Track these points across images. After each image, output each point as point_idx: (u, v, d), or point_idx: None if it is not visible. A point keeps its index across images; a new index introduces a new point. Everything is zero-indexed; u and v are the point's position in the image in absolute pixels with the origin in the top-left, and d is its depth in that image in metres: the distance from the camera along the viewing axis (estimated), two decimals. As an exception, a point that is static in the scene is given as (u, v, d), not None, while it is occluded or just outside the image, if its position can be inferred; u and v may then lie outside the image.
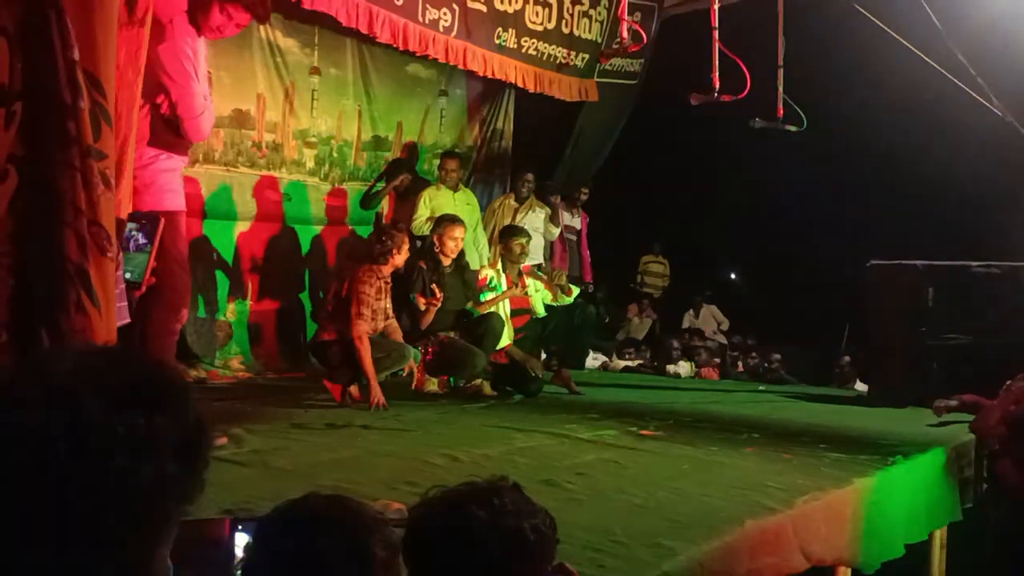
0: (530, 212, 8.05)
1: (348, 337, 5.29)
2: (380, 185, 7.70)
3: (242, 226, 7.00)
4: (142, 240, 3.16)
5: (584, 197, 9.30)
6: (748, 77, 6.11)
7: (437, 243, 6.31)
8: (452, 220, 6.42)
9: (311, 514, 1.51)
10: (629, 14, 6.79)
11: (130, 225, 3.14)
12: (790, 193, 9.70)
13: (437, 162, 8.07)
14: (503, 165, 9.07)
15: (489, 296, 6.47)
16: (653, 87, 8.20)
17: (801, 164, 8.82)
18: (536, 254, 7.86)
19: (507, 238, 6.71)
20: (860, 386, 8.03)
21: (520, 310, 6.67)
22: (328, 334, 5.58)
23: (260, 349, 7.04)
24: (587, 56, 7.35)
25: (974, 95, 7.04)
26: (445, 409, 5.53)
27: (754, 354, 9.45)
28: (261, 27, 6.93)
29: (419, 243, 7.10)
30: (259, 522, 1.64)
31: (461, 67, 6.53)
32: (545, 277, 7.03)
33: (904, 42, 7.00)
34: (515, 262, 6.62)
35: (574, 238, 9.32)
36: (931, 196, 8.61)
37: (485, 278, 6.56)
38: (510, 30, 6.66)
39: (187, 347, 6.41)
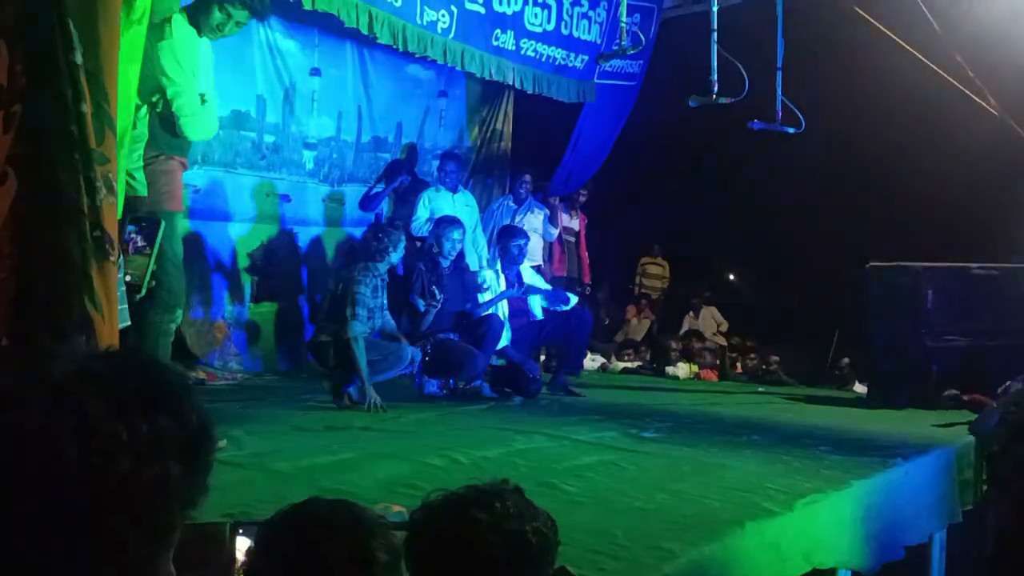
0: (529, 213, 8.06)
1: (344, 338, 5.29)
2: (380, 187, 7.70)
3: (241, 227, 7.00)
4: (141, 243, 3.16)
5: (583, 199, 9.30)
6: (747, 79, 6.12)
7: (436, 244, 6.32)
8: (451, 221, 6.43)
9: (313, 518, 1.51)
10: (628, 16, 6.79)
11: (130, 228, 3.14)
12: (789, 195, 9.71)
13: (436, 163, 8.08)
14: (502, 166, 9.07)
15: (486, 297, 6.47)
16: (652, 89, 8.20)
17: (800, 166, 8.82)
18: (535, 255, 7.87)
19: (506, 239, 6.71)
20: (859, 387, 8.03)
21: (519, 311, 6.67)
22: (325, 335, 5.58)
23: (259, 350, 7.04)
24: (586, 58, 7.34)
25: (972, 96, 7.04)
26: (445, 411, 5.52)
27: (753, 355, 9.45)
28: (262, 28, 6.93)
29: (418, 244, 7.10)
30: (261, 526, 1.63)
31: (460, 69, 6.52)
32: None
33: (903, 44, 7.01)
34: (513, 263, 6.62)
35: (573, 239, 9.33)
36: (930, 198, 8.61)
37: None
38: (508, 32, 6.65)
39: (185, 348, 6.42)
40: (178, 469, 0.92)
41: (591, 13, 7.31)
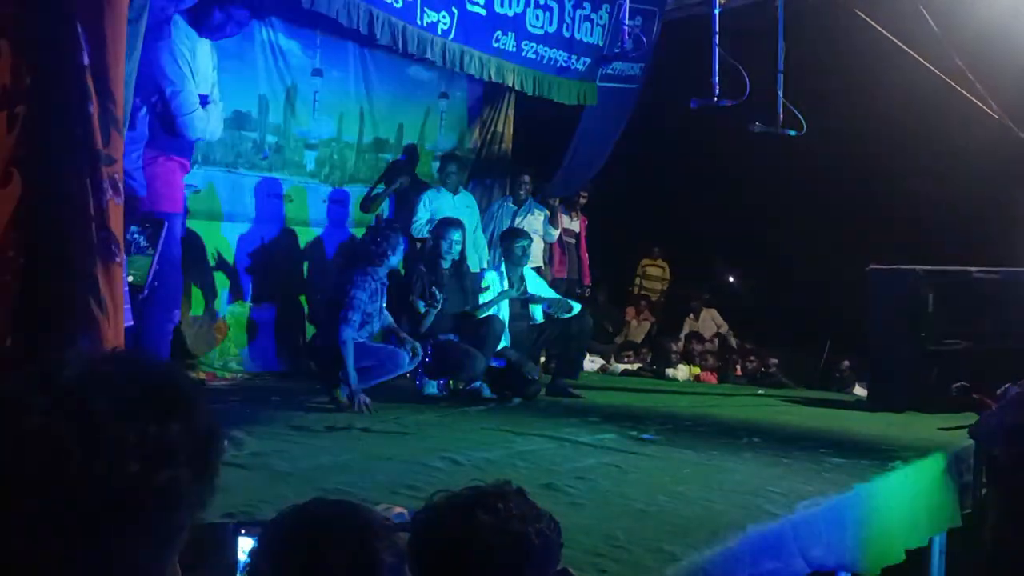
0: (529, 215, 8.06)
1: (338, 338, 5.30)
2: (381, 188, 7.70)
3: (242, 227, 6.99)
4: (144, 243, 3.16)
5: (583, 200, 9.31)
6: (748, 82, 6.12)
7: (436, 246, 6.32)
8: (451, 223, 6.43)
9: (317, 519, 1.50)
10: (630, 19, 6.79)
11: (132, 228, 3.14)
12: (790, 197, 9.71)
13: (437, 164, 8.08)
14: (503, 168, 9.07)
15: (487, 298, 6.47)
16: (653, 91, 8.20)
17: (800, 168, 8.82)
18: (535, 257, 7.86)
19: (509, 240, 6.72)
20: (859, 390, 8.04)
21: (520, 314, 6.67)
22: (323, 336, 5.58)
23: (259, 350, 7.04)
24: (588, 60, 7.34)
25: (973, 100, 7.05)
26: (445, 412, 5.53)
27: (752, 358, 9.45)
28: (263, 28, 6.94)
29: (419, 245, 7.10)
30: (264, 527, 1.63)
31: (459, 70, 6.51)
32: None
33: (904, 47, 7.01)
34: (516, 264, 6.63)
35: (573, 241, 9.33)
36: (931, 200, 8.61)
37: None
38: (510, 33, 6.65)
39: (184, 348, 6.42)
40: (187, 473, 0.92)
41: (593, 15, 7.30)
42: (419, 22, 5.91)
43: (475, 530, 1.56)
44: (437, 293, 6.03)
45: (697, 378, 9.12)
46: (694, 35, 6.89)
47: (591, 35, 7.30)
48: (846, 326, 8.06)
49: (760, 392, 8.05)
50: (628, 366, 9.45)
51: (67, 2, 2.19)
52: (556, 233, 8.49)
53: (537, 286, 6.85)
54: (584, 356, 7.26)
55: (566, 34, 7.11)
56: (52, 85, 2.20)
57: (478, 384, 6.18)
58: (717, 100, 6.23)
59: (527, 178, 8.14)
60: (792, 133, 6.70)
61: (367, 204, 7.61)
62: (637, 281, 11.52)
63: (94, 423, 0.87)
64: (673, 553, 2.67)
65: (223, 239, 6.85)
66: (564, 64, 7.19)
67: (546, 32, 6.94)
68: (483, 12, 6.40)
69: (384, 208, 7.74)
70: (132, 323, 2.98)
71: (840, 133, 8.61)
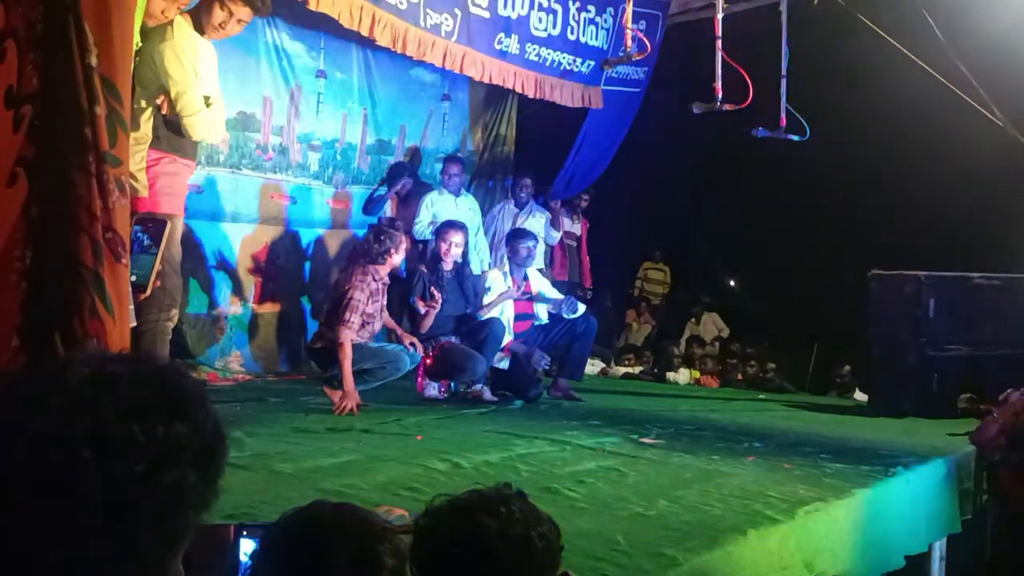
0: (530, 217, 8.07)
1: (336, 340, 5.30)
2: (382, 190, 7.71)
3: (245, 228, 7.00)
4: (147, 243, 3.17)
5: (584, 203, 9.32)
6: (751, 86, 6.11)
7: (438, 248, 6.33)
8: (453, 225, 6.44)
9: (319, 522, 1.51)
10: (634, 22, 6.78)
11: (136, 228, 3.15)
12: (791, 202, 9.70)
13: (439, 166, 8.09)
14: (505, 170, 9.08)
15: (489, 299, 6.48)
16: (656, 95, 8.21)
17: (802, 173, 8.82)
18: (537, 259, 7.87)
19: (514, 241, 6.73)
20: (860, 395, 8.03)
21: (523, 315, 6.67)
22: (323, 338, 5.59)
23: (260, 351, 7.05)
24: (593, 63, 7.34)
25: (976, 106, 7.05)
26: (445, 414, 5.53)
27: (753, 362, 9.44)
28: (268, 30, 6.96)
29: (420, 247, 7.11)
30: (266, 529, 1.63)
31: (459, 72, 6.52)
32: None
33: (907, 53, 7.02)
34: (520, 265, 6.64)
35: (574, 244, 9.34)
36: (933, 206, 8.60)
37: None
38: (513, 36, 6.65)
39: (187, 348, 6.43)
40: (193, 474, 0.93)
41: (598, 19, 7.31)
42: (422, 24, 5.92)
43: (478, 534, 1.56)
44: (436, 293, 6.04)
45: (698, 382, 9.12)
46: (697, 39, 6.89)
47: (595, 38, 7.31)
48: (847, 331, 8.05)
49: (761, 397, 8.05)
50: (629, 369, 9.45)
51: (75, 2, 2.20)
52: (557, 236, 8.50)
53: (542, 285, 6.85)
54: (587, 358, 7.27)
55: (571, 37, 7.12)
56: (60, 86, 2.20)
57: (479, 386, 6.19)
58: (720, 105, 6.22)
59: (529, 181, 8.16)
60: (795, 138, 6.70)
61: (369, 206, 7.62)
62: (638, 284, 11.52)
63: (103, 423, 0.88)
64: (673, 558, 2.67)
65: (227, 239, 6.87)
66: (568, 67, 7.19)
67: (550, 35, 6.94)
68: (486, 14, 6.41)
69: (386, 210, 7.75)
70: (135, 323, 2.98)
71: (843, 138, 8.60)
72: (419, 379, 6.11)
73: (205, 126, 4.27)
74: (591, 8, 7.24)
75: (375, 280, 5.53)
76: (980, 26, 6.77)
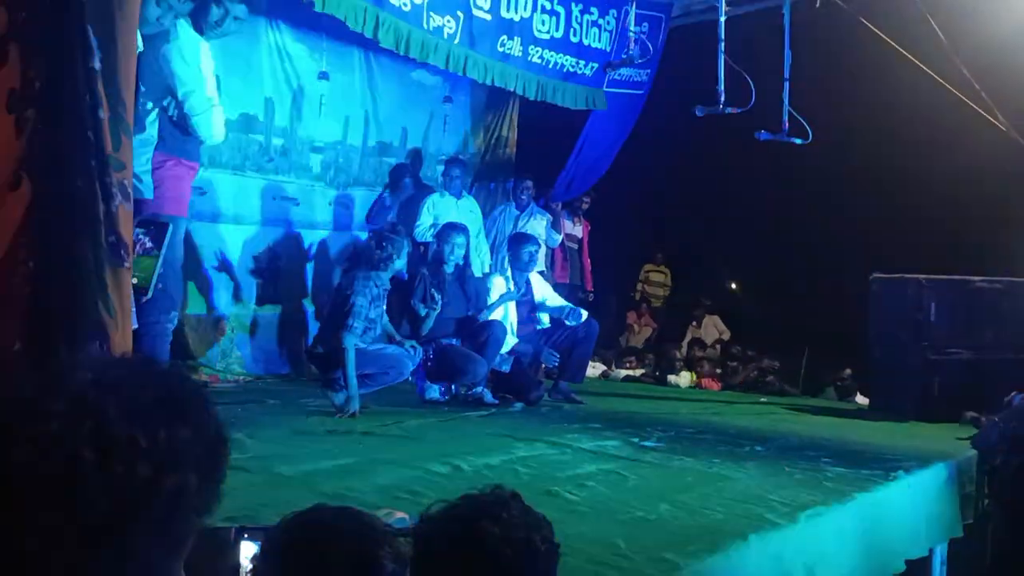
0: (531, 219, 8.07)
1: (340, 346, 5.30)
2: (387, 197, 7.69)
3: (248, 229, 7.01)
4: (149, 245, 3.17)
5: (585, 205, 9.31)
6: (753, 89, 6.12)
7: (440, 250, 6.33)
8: (454, 228, 6.44)
9: (320, 525, 1.51)
10: (637, 25, 6.80)
11: (137, 230, 3.15)
12: (793, 205, 9.70)
13: (440, 168, 8.09)
14: (507, 172, 9.08)
15: (490, 301, 6.48)
16: (658, 97, 8.21)
17: (804, 176, 8.82)
18: (538, 262, 7.87)
19: (516, 245, 6.73)
20: (861, 399, 8.03)
21: (526, 319, 6.67)
22: (324, 343, 5.58)
23: (261, 353, 7.05)
24: (596, 65, 7.35)
25: (978, 110, 7.05)
26: (446, 416, 5.52)
27: (754, 365, 9.44)
28: (270, 31, 6.97)
29: (422, 249, 7.11)
30: (267, 532, 1.63)
31: (462, 74, 6.52)
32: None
33: (910, 56, 7.02)
34: (523, 270, 6.63)
35: (575, 246, 9.33)
36: (935, 210, 8.61)
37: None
38: (516, 38, 6.65)
39: (187, 350, 6.43)
40: (195, 478, 0.93)
41: (600, 21, 7.31)
42: (425, 26, 5.92)
43: (482, 541, 1.56)
44: (436, 295, 6.04)
45: (699, 385, 9.11)
46: (700, 42, 6.89)
47: (599, 41, 7.31)
48: (848, 334, 8.05)
49: (762, 400, 8.04)
50: (630, 372, 9.44)
51: (78, 6, 2.20)
52: (559, 238, 8.50)
53: (544, 291, 6.85)
54: (588, 361, 7.26)
55: (573, 40, 7.12)
56: (63, 90, 2.20)
57: (480, 389, 6.19)
58: (722, 108, 6.22)
59: (530, 183, 8.16)
60: (798, 141, 6.70)
61: (373, 217, 7.59)
62: (639, 287, 11.52)
63: (107, 427, 0.88)
64: (674, 562, 2.67)
65: (229, 241, 6.87)
66: (571, 69, 7.20)
67: (553, 37, 6.95)
68: (489, 17, 6.41)
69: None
70: (136, 325, 2.99)
71: (845, 141, 8.60)
72: (420, 381, 6.11)
73: (214, 124, 4.28)
74: (594, 11, 7.24)
75: (377, 286, 5.53)
76: (982, 30, 6.77)
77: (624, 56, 7.00)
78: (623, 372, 9.41)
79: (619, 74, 7.61)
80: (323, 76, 7.45)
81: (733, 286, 12.61)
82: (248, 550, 1.92)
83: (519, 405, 6.21)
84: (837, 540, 3.53)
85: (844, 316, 8.05)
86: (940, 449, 5.16)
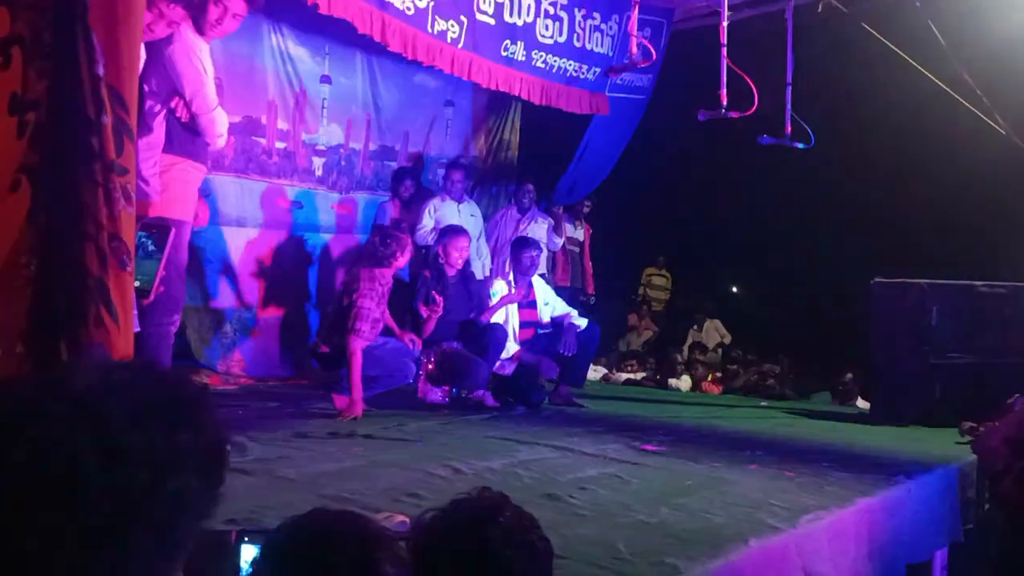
0: (533, 223, 8.08)
1: (346, 348, 5.30)
2: (386, 201, 7.72)
3: (250, 232, 7.02)
4: (151, 248, 3.17)
5: (587, 209, 9.32)
6: (756, 94, 6.11)
7: (441, 254, 6.33)
8: (456, 231, 6.44)
9: (320, 529, 1.50)
10: (639, 29, 6.80)
11: (140, 233, 3.15)
12: (795, 209, 9.71)
13: (442, 172, 8.10)
14: (508, 176, 9.09)
15: (493, 303, 6.48)
16: (661, 102, 8.22)
17: (806, 180, 8.83)
18: (539, 265, 7.87)
19: (517, 250, 6.74)
20: (862, 403, 8.02)
21: (527, 323, 6.67)
22: (328, 342, 5.59)
23: (263, 355, 7.05)
24: (598, 70, 7.36)
25: (980, 115, 7.05)
26: (447, 419, 5.52)
27: (755, 369, 9.44)
28: (273, 35, 6.98)
29: (423, 251, 7.12)
30: (267, 536, 1.63)
31: (466, 78, 6.53)
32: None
33: (911, 61, 7.02)
34: (523, 274, 6.63)
35: (577, 250, 9.34)
36: (936, 214, 8.61)
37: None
38: (519, 42, 6.67)
39: (189, 352, 6.44)
40: (196, 482, 0.93)
41: (603, 26, 7.32)
42: (430, 30, 5.93)
43: (486, 547, 1.57)
44: (436, 298, 6.04)
45: (700, 388, 9.11)
46: (702, 46, 6.90)
47: (601, 45, 7.32)
48: (850, 339, 8.06)
49: (763, 404, 8.04)
50: (631, 375, 9.45)
51: (83, 11, 2.21)
52: (560, 242, 8.51)
53: (547, 295, 6.85)
54: (589, 365, 7.27)
55: (576, 44, 7.13)
56: (67, 94, 2.21)
57: (481, 392, 6.19)
58: (725, 112, 6.22)
59: (531, 187, 8.17)
60: (800, 146, 6.69)
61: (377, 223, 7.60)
62: (641, 290, 11.52)
63: (108, 431, 0.89)
64: (675, 566, 2.66)
65: (232, 244, 6.88)
66: (574, 74, 7.21)
67: (556, 42, 6.96)
68: (492, 21, 6.42)
69: (387, 214, 7.76)
70: (138, 329, 2.99)
71: (847, 146, 8.61)
72: (421, 384, 6.11)
73: (221, 123, 4.29)
74: (596, 15, 7.25)
75: (381, 285, 5.53)
76: (984, 35, 6.78)
77: (626, 61, 7.01)
78: (624, 375, 9.41)
79: (621, 79, 7.62)
80: (325, 80, 7.46)
81: (734, 290, 12.62)
82: (249, 553, 1.92)
83: (520, 408, 6.22)
84: (838, 545, 3.53)
85: (846, 320, 8.05)
86: (941, 454, 5.16)
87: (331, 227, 7.63)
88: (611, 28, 7.37)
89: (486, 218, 8.05)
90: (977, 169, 7.82)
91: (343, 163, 7.69)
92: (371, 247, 5.68)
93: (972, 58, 6.95)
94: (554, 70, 7.03)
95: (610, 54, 7.40)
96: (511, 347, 6.40)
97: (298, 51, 7.22)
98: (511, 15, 6.55)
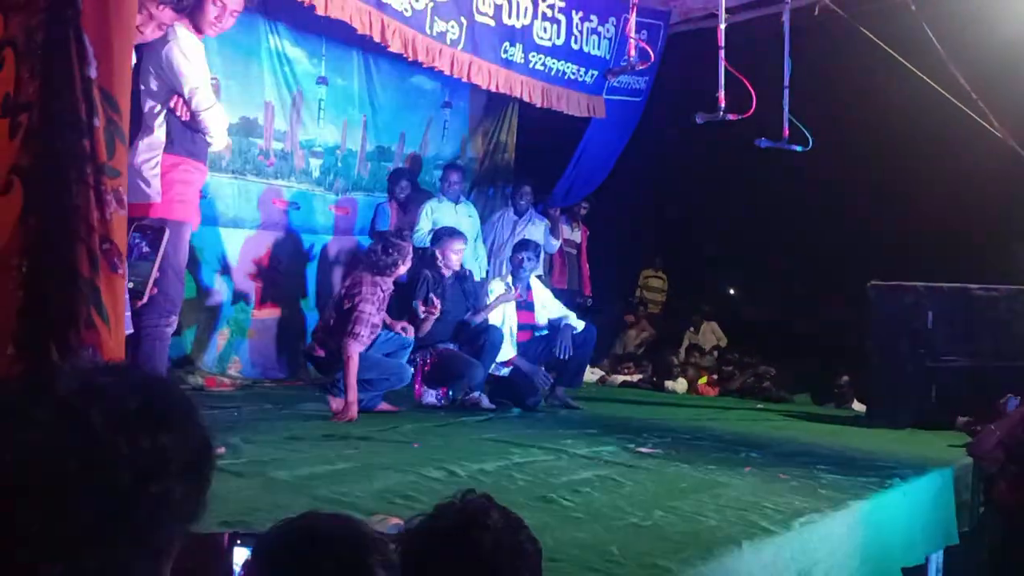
0: (530, 224, 8.09)
1: (343, 352, 5.30)
2: (384, 202, 7.72)
3: (247, 233, 7.01)
4: (146, 249, 3.17)
5: (584, 211, 9.33)
6: (754, 96, 6.12)
7: (438, 256, 6.33)
8: (451, 233, 6.44)
9: (311, 532, 1.50)
10: (636, 32, 6.81)
11: (135, 234, 3.15)
12: (792, 212, 9.71)
13: (439, 173, 8.10)
14: (505, 178, 9.10)
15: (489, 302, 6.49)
16: (658, 104, 8.22)
17: (803, 183, 8.83)
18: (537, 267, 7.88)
19: (514, 251, 6.76)
20: (858, 406, 8.03)
21: (525, 325, 6.68)
22: (324, 346, 5.58)
23: (259, 356, 7.05)
24: (596, 72, 7.37)
25: (976, 118, 7.06)
26: (443, 421, 5.52)
27: (751, 371, 9.45)
28: (270, 36, 6.99)
29: (421, 252, 7.12)
30: (258, 539, 1.63)
31: (466, 80, 6.53)
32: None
33: (909, 65, 7.03)
34: (517, 275, 6.64)
35: (574, 252, 9.35)
36: (933, 218, 8.62)
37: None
38: (518, 44, 6.67)
39: (184, 353, 6.43)
40: (180, 486, 0.93)
41: (600, 28, 7.33)
42: (428, 31, 5.93)
43: (475, 550, 1.57)
44: (436, 299, 6.04)
45: (696, 391, 9.12)
46: (700, 49, 6.91)
47: (598, 48, 7.33)
48: (846, 341, 8.07)
49: (759, 406, 8.05)
50: (627, 377, 9.45)
51: (75, 14, 2.21)
52: (557, 244, 8.52)
53: (545, 297, 6.85)
54: (586, 367, 7.27)
55: (574, 47, 7.14)
56: (58, 96, 2.21)
57: (476, 394, 6.19)
58: (723, 114, 6.23)
59: (528, 188, 8.18)
60: (798, 149, 6.70)
61: (375, 225, 7.61)
62: (638, 292, 11.52)
63: (90, 435, 0.89)
64: (668, 568, 2.66)
65: (229, 244, 6.87)
66: (572, 76, 7.21)
67: (554, 45, 6.96)
68: (492, 23, 6.43)
69: (387, 217, 7.76)
70: (132, 331, 2.99)
71: (844, 149, 8.62)
72: (417, 386, 6.11)
73: (222, 118, 4.29)
74: (593, 18, 7.26)
75: (383, 291, 5.54)
76: (980, 39, 6.79)
77: (623, 63, 7.01)
78: (620, 378, 9.42)
79: (618, 81, 7.63)
80: (322, 81, 7.46)
81: (731, 292, 12.62)
82: (241, 556, 1.92)
83: (516, 410, 6.22)
84: (832, 548, 3.53)
85: (842, 323, 8.06)
86: (936, 456, 5.17)
87: (329, 228, 7.63)
88: (608, 31, 7.38)
89: (483, 219, 8.06)
90: (974, 172, 7.83)
91: (339, 164, 7.69)
92: (372, 255, 5.66)
93: (969, 61, 6.96)
94: (552, 72, 7.04)
95: (607, 57, 7.41)
96: (507, 351, 6.40)
97: (295, 52, 7.22)
98: (510, 17, 6.56)
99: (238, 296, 6.95)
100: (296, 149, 7.34)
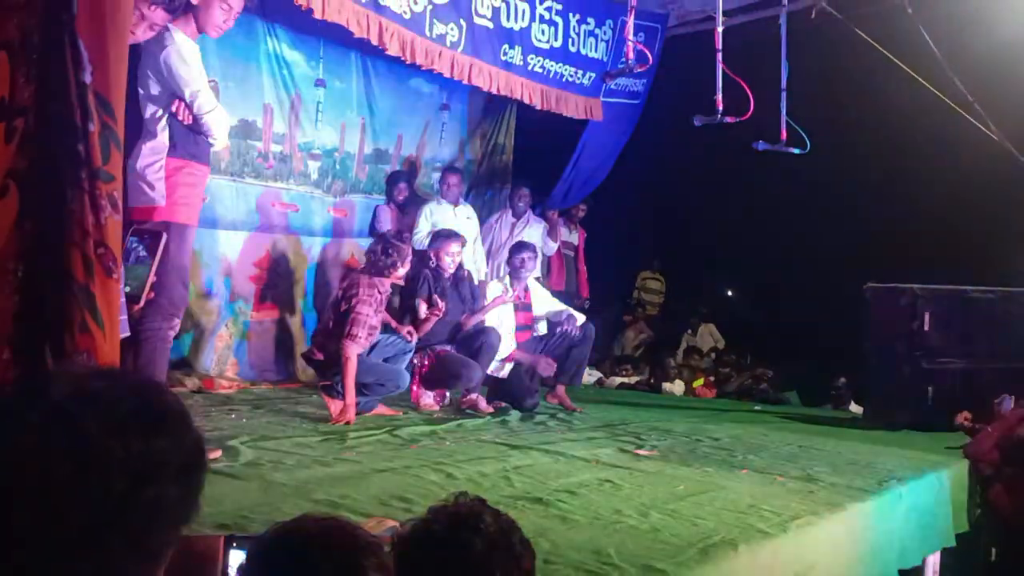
0: (527, 227, 8.09)
1: (341, 354, 5.30)
2: (383, 204, 7.73)
3: (246, 236, 7.02)
4: (143, 253, 3.17)
5: (582, 213, 9.34)
6: (752, 99, 6.12)
7: (435, 258, 6.34)
8: (449, 235, 6.45)
9: (305, 536, 1.51)
10: (634, 35, 6.81)
11: (132, 239, 3.15)
12: (790, 214, 9.73)
13: (437, 176, 8.11)
14: (503, 180, 9.11)
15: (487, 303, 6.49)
16: (656, 107, 8.23)
17: (801, 186, 8.85)
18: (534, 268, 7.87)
19: (511, 252, 6.76)
20: (855, 407, 8.04)
21: (524, 326, 6.68)
22: (323, 349, 5.58)
23: (257, 358, 7.05)
24: (593, 75, 7.37)
25: (972, 121, 7.07)
26: (441, 423, 5.52)
27: (748, 373, 9.46)
28: (268, 39, 7.00)
29: (421, 254, 7.12)
30: (253, 542, 1.64)
31: (467, 82, 6.53)
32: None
33: (906, 68, 7.04)
34: (515, 276, 6.64)
35: (572, 254, 9.36)
36: (929, 220, 8.63)
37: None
38: (516, 47, 6.68)
39: (183, 355, 6.43)
40: (173, 489, 0.94)
41: (598, 31, 7.34)
42: (428, 34, 5.94)
43: (469, 555, 1.57)
44: (439, 301, 6.05)
45: (694, 393, 9.12)
46: (697, 52, 6.91)
47: (595, 50, 7.34)
48: (843, 343, 8.07)
49: (756, 408, 8.05)
50: (625, 379, 9.46)
51: (70, 18, 2.21)
52: (554, 246, 8.53)
53: (543, 298, 6.86)
54: (585, 364, 7.27)
55: (572, 49, 7.15)
56: (54, 102, 2.22)
57: (475, 395, 6.19)
58: (720, 117, 6.23)
59: (526, 191, 8.19)
60: (795, 151, 6.71)
61: (374, 227, 7.61)
62: (636, 294, 11.54)
63: (84, 440, 0.89)
64: (665, 571, 2.67)
65: (227, 247, 6.87)
66: (570, 79, 7.22)
67: (552, 47, 6.97)
68: (490, 25, 6.43)
69: (387, 219, 7.77)
70: (128, 334, 2.99)
71: (841, 151, 8.63)
72: (414, 388, 6.11)
73: (224, 120, 4.29)
74: (591, 21, 7.27)
75: (380, 292, 5.54)
76: (977, 42, 6.80)
77: (621, 66, 7.02)
78: (618, 379, 9.42)
79: (616, 84, 7.64)
80: (320, 83, 7.47)
81: (729, 294, 12.63)
82: (237, 559, 1.92)
83: (514, 412, 6.22)
84: (829, 550, 3.54)
85: (839, 325, 8.06)
86: (933, 458, 5.17)
87: (327, 231, 7.64)
88: (605, 33, 7.39)
89: (481, 221, 8.06)
90: (970, 174, 7.84)
91: (338, 166, 7.70)
92: (372, 256, 5.67)
93: (965, 64, 6.98)
94: (551, 75, 7.04)
95: (604, 59, 7.42)
96: (507, 348, 6.40)
97: (293, 55, 7.23)
98: (508, 19, 6.57)
99: (236, 298, 6.95)
100: (295, 151, 7.35)
